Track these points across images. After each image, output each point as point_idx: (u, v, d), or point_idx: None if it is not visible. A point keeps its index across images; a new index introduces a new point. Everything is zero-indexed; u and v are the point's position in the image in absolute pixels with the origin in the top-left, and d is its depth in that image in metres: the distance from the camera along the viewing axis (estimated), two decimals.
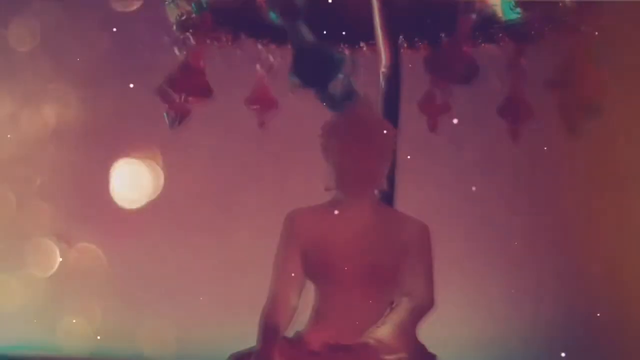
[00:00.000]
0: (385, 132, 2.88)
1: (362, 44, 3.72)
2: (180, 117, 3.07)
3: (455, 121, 3.40)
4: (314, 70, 2.44)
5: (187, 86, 3.08)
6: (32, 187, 5.59)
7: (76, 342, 5.51)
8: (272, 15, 2.46)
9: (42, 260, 5.53)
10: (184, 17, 3.04)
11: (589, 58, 2.82)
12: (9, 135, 5.60)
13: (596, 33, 2.79)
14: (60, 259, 5.52)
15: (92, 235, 5.55)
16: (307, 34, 2.47)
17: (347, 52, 3.76)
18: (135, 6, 3.67)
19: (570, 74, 2.81)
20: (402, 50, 3.48)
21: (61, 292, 5.59)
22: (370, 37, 3.41)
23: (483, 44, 3.36)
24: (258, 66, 3.62)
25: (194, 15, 3.02)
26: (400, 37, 3.50)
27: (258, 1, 3.13)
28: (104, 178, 5.46)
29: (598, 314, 5.29)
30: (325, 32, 3.52)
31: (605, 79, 2.84)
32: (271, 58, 3.57)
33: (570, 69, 2.81)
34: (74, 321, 5.53)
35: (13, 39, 5.52)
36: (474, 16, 2.63)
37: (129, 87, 4.29)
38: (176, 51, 3.13)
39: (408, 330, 2.78)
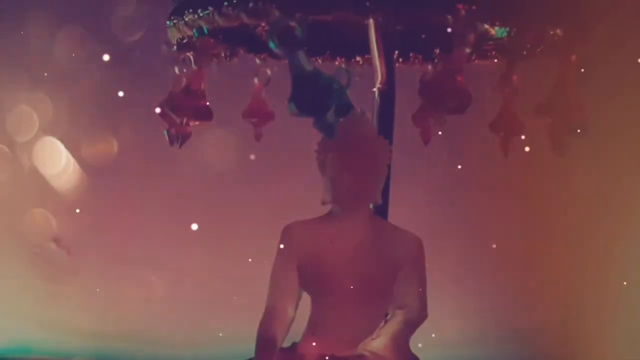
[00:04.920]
0: (380, 147, 2.95)
1: (357, 58, 3.76)
2: (181, 139, 3.11)
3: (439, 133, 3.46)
4: (312, 100, 2.48)
5: (188, 109, 3.12)
6: (30, 190, 5.62)
7: (70, 344, 5.54)
8: (271, 44, 2.49)
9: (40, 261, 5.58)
10: (185, 41, 3.07)
11: (576, 83, 2.87)
12: None
13: (584, 58, 2.84)
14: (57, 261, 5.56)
15: (88, 239, 5.57)
16: (307, 63, 2.49)
17: (342, 65, 3.79)
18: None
19: (557, 99, 2.86)
20: (397, 65, 3.51)
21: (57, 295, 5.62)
22: (366, 51, 3.44)
23: (476, 60, 3.41)
24: (255, 79, 3.65)
25: (194, 39, 3.05)
26: (396, 52, 3.53)
27: (258, 31, 3.17)
28: (99, 181, 5.50)
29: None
30: (321, 46, 3.59)
31: (591, 104, 2.91)
32: (268, 71, 3.60)
33: (557, 95, 2.86)
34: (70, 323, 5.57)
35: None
36: (468, 50, 2.67)
37: (121, 95, 4.32)
38: (176, 70, 3.16)
39: (402, 342, 2.84)
